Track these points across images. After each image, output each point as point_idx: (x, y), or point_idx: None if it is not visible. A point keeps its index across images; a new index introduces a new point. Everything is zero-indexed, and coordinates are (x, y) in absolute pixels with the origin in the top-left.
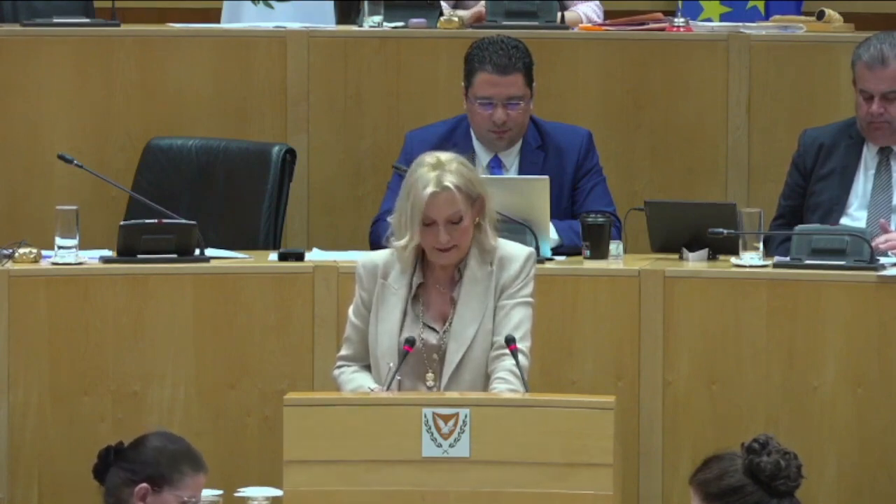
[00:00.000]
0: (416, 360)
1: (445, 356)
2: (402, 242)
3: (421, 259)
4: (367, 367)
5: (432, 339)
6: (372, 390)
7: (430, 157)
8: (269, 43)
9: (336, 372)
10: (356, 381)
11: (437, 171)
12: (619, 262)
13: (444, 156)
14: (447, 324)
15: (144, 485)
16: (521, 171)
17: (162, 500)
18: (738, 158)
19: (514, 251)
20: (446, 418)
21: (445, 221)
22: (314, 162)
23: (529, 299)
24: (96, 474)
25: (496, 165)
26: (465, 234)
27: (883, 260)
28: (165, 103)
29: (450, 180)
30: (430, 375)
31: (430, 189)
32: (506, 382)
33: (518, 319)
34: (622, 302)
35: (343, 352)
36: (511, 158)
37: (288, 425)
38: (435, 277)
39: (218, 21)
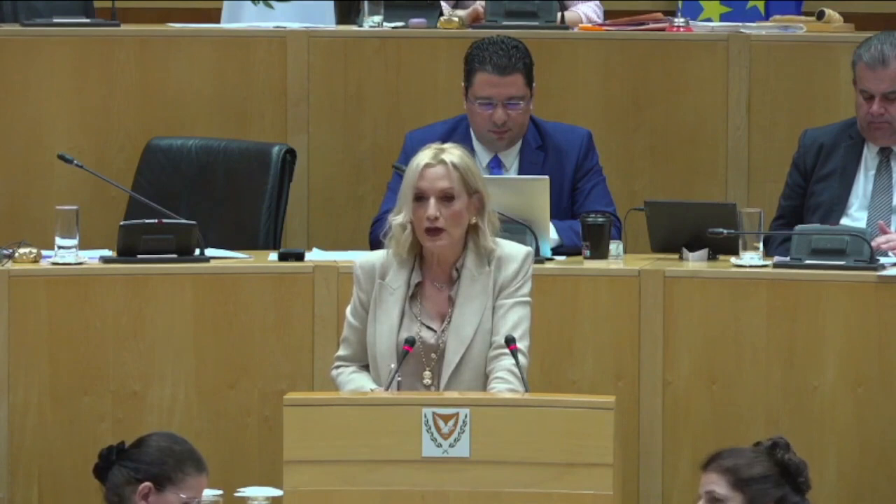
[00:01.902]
0: (414, 359)
1: (445, 356)
2: (399, 219)
3: (419, 257)
4: (365, 368)
5: (430, 338)
6: (372, 391)
7: (433, 144)
8: (269, 43)
9: (334, 372)
10: (355, 381)
11: (437, 150)
12: (619, 262)
13: (447, 145)
14: (445, 323)
15: (148, 483)
16: (521, 171)
17: (164, 499)
18: (738, 158)
19: (512, 250)
20: (446, 418)
21: (437, 195)
22: (314, 162)
23: (527, 298)
24: (97, 473)
25: (496, 165)
26: (456, 218)
27: (883, 260)
28: (165, 103)
29: (448, 157)
30: (427, 374)
31: (425, 160)
32: (505, 382)
33: (516, 319)
34: (622, 302)
35: (341, 352)
36: (511, 158)
37: (288, 425)
38: (433, 276)
39: (218, 21)
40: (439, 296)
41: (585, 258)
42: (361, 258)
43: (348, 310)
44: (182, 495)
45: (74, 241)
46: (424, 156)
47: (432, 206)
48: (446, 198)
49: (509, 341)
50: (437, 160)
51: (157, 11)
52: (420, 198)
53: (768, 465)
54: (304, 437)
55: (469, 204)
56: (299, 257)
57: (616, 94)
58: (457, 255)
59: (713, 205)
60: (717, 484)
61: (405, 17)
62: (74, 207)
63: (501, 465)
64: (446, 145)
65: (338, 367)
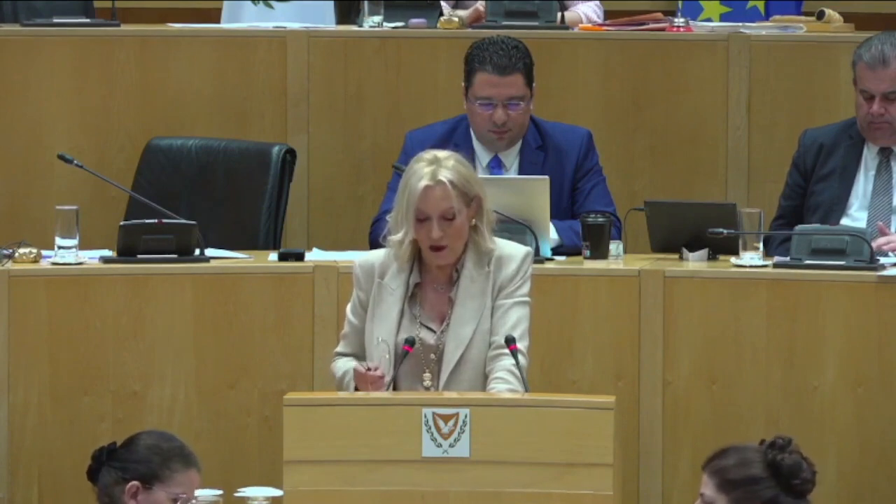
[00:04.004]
0: (413, 360)
1: (443, 356)
2: (398, 237)
3: (418, 258)
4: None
5: (430, 339)
6: (359, 367)
7: (427, 154)
8: (269, 43)
9: (331, 365)
10: (347, 366)
11: (434, 166)
12: (619, 262)
13: (442, 153)
14: (444, 324)
15: (135, 482)
16: (521, 171)
17: (154, 497)
18: (738, 158)
19: (511, 250)
20: (446, 418)
21: (439, 217)
22: (314, 162)
23: (527, 298)
24: (90, 475)
25: (496, 165)
26: (458, 233)
27: (883, 260)
28: (165, 103)
29: (445, 175)
30: (427, 376)
31: (424, 182)
32: (505, 382)
33: (516, 319)
34: (622, 302)
35: (339, 348)
36: (511, 158)
37: (288, 425)
38: (432, 277)
39: (218, 21)
40: (439, 297)
41: (585, 258)
42: (361, 258)
43: (348, 307)
44: (175, 491)
45: (74, 241)
46: (422, 175)
47: (436, 229)
48: (448, 218)
49: (509, 341)
50: (436, 181)
51: (157, 11)
52: (422, 219)
53: (760, 468)
54: (304, 437)
55: (468, 213)
56: (299, 257)
57: (616, 94)
58: (456, 258)
59: (713, 205)
60: (706, 486)
61: (405, 17)
62: (74, 207)
63: (501, 465)
64: (441, 155)
65: (335, 360)
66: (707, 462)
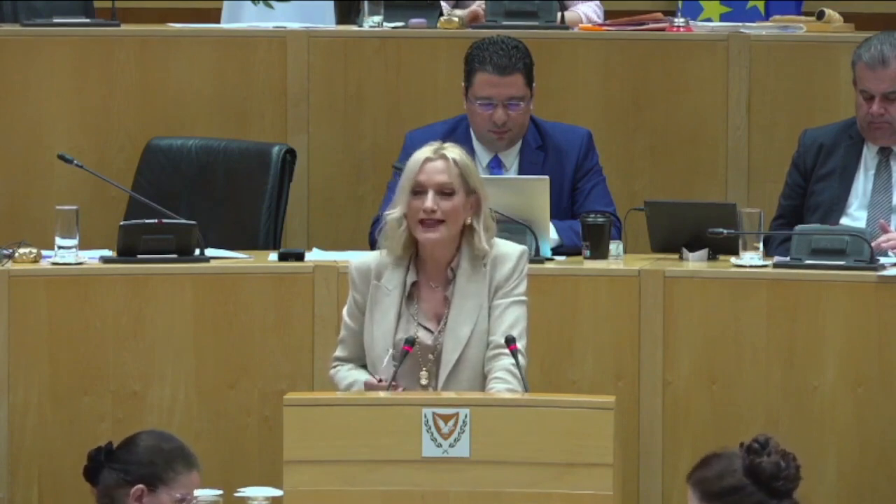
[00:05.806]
0: (411, 359)
1: (441, 356)
2: (395, 213)
3: (414, 257)
4: (363, 367)
5: (427, 339)
6: (371, 380)
7: (433, 144)
8: (269, 43)
9: (332, 371)
10: (352, 376)
11: (438, 146)
12: (619, 262)
13: (448, 143)
14: (442, 323)
15: (141, 486)
16: (521, 171)
17: (157, 500)
18: (738, 158)
19: (507, 249)
20: (446, 418)
21: (436, 189)
22: (314, 162)
23: (523, 297)
24: (88, 475)
25: (496, 165)
26: (453, 213)
27: (883, 260)
28: (165, 103)
29: (448, 153)
30: (423, 373)
31: (425, 155)
32: (504, 382)
33: (513, 318)
34: (622, 302)
35: (338, 353)
36: (511, 158)
37: (288, 425)
38: (428, 276)
39: (218, 21)
40: (435, 296)
41: (585, 258)
42: (356, 260)
43: (345, 310)
44: (176, 494)
45: (74, 241)
46: (425, 151)
47: (430, 199)
48: (445, 192)
49: (509, 341)
50: (438, 155)
51: (157, 11)
52: (418, 192)
53: (739, 475)
54: (304, 437)
55: (466, 203)
56: (299, 257)
57: (616, 94)
58: (451, 256)
59: (713, 205)
60: (691, 499)
61: (405, 17)
62: (74, 207)
63: (501, 465)
64: (447, 144)
65: (335, 366)
66: (690, 474)
